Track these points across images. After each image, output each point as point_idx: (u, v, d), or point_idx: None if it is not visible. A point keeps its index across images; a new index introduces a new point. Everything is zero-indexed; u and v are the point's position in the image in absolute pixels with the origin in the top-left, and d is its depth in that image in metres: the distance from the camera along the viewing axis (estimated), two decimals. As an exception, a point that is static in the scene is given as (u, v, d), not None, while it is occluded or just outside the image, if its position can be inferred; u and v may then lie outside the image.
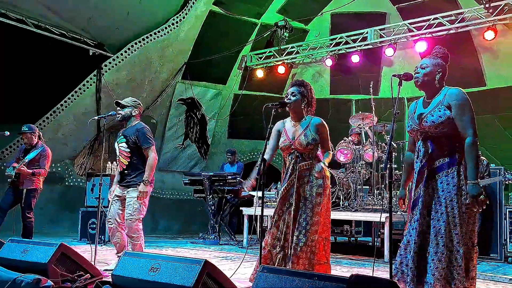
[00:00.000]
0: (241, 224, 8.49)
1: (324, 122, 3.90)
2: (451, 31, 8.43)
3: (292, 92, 3.88)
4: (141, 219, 4.81)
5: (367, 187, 8.02)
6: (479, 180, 3.00)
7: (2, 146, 8.52)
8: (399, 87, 3.19)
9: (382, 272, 4.92)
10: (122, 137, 4.92)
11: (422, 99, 3.28)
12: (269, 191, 7.80)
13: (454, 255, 2.94)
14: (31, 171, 6.02)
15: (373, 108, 7.58)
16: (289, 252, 3.61)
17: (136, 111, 5.01)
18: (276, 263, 3.63)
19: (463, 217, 2.98)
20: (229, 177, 8.24)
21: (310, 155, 3.80)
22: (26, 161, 6.00)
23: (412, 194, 3.18)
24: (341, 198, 7.33)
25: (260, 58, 10.63)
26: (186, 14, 9.31)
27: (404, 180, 3.44)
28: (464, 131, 3.01)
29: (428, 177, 3.09)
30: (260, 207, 3.69)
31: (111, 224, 4.87)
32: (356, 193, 7.33)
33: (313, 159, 3.81)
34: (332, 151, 7.67)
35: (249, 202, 8.52)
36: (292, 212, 3.67)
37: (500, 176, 6.45)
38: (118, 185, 4.96)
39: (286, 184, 3.78)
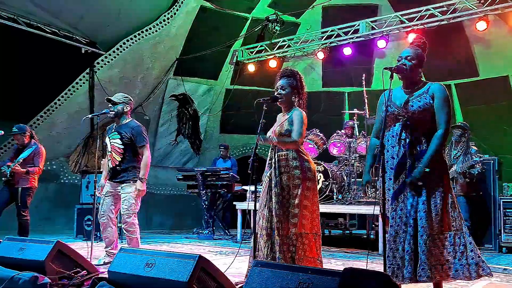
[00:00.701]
0: (235, 218, 8.54)
1: (302, 114, 3.81)
2: (443, 22, 8.43)
3: (282, 86, 3.88)
4: (136, 214, 4.90)
5: (361, 180, 8.06)
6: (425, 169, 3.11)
7: (-2, 145, 8.54)
8: (391, 79, 3.24)
9: (376, 265, 4.96)
10: (116, 133, 4.96)
11: (399, 88, 3.39)
12: (262, 185, 7.83)
13: (437, 241, 3.07)
14: (25, 170, 6.04)
15: (366, 101, 7.61)
16: (275, 242, 3.64)
17: (127, 107, 5.07)
18: (265, 254, 3.65)
19: (441, 204, 3.11)
20: (222, 172, 8.28)
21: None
22: (20, 161, 6.01)
23: (390, 184, 3.23)
24: (335, 191, 7.37)
25: (252, 52, 10.61)
26: (177, 10, 9.29)
27: (369, 165, 3.51)
28: (439, 123, 3.19)
29: (411, 165, 3.18)
30: (253, 202, 3.73)
31: (104, 220, 4.95)
32: (350, 186, 7.37)
33: (290, 150, 3.77)
34: (325, 144, 7.77)
35: (242, 197, 8.56)
36: (274, 201, 3.69)
37: (471, 160, 6.46)
38: (109, 181, 5.02)
39: (268, 173, 3.81)
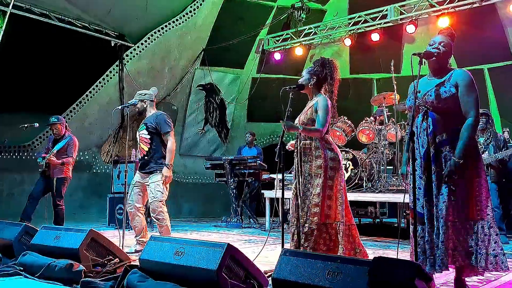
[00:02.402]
0: (261, 207, 8.55)
1: (327, 101, 3.77)
2: (475, 5, 8.16)
3: (302, 74, 3.96)
4: (164, 201, 4.96)
5: (391, 167, 7.96)
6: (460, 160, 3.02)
7: (32, 137, 8.78)
8: (420, 65, 3.18)
9: (407, 254, 4.90)
10: (143, 125, 5.10)
11: (425, 78, 3.31)
12: (290, 173, 7.83)
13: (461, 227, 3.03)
14: (60, 161, 6.21)
15: (395, 87, 7.48)
16: (300, 231, 3.67)
17: (144, 103, 5.17)
18: (294, 242, 3.70)
19: (467, 190, 3.06)
20: (250, 160, 8.30)
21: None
22: (54, 151, 6.18)
23: (419, 178, 3.17)
24: (364, 179, 7.28)
25: (278, 41, 10.58)
26: (202, 1, 9.36)
27: (406, 158, 3.42)
28: (467, 111, 3.06)
29: (434, 155, 3.12)
30: (281, 190, 3.75)
31: (131, 209, 5.04)
32: (380, 174, 7.27)
33: (313, 139, 3.77)
34: (353, 132, 7.68)
35: (270, 185, 8.57)
36: (300, 190, 3.71)
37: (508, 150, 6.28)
38: (139, 172, 5.12)
39: (295, 162, 3.83)
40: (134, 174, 5.32)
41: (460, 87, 3.08)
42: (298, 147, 3.80)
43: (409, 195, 3.19)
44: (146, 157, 5.02)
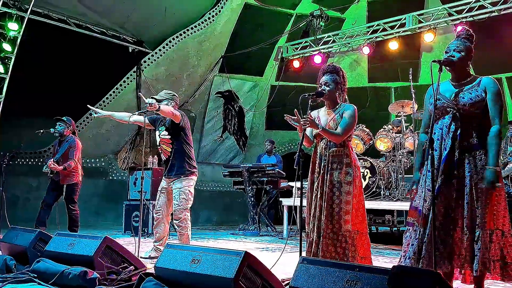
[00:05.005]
0: (279, 215, 8.49)
1: (354, 110, 3.74)
2: (494, 14, 8.09)
3: (326, 82, 3.81)
4: (188, 209, 4.87)
5: (409, 176, 7.86)
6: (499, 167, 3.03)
7: (49, 143, 8.84)
8: (440, 73, 3.12)
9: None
10: (162, 126, 4.99)
11: (447, 82, 3.28)
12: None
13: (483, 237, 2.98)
14: (61, 167, 6.11)
15: (413, 96, 7.40)
16: (323, 241, 3.59)
17: (171, 103, 5.04)
18: (312, 252, 3.63)
19: (487, 201, 3.00)
20: (268, 168, 8.26)
21: (341, 142, 3.72)
22: (52, 160, 6.11)
23: (431, 181, 3.09)
24: (382, 187, 7.22)
25: (296, 48, 10.59)
26: (221, 8, 9.39)
27: (419, 163, 3.35)
28: (494, 117, 3.08)
29: (458, 159, 3.08)
30: (299, 198, 3.69)
31: (159, 215, 4.97)
32: (398, 182, 7.20)
33: (344, 147, 3.72)
34: (371, 140, 7.60)
35: (288, 193, 8.51)
36: (325, 198, 3.63)
37: None
38: (164, 177, 5.02)
39: (318, 170, 3.75)
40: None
41: (489, 93, 3.10)
42: (327, 154, 3.73)
43: (421, 200, 3.15)
44: (171, 159, 4.92)
